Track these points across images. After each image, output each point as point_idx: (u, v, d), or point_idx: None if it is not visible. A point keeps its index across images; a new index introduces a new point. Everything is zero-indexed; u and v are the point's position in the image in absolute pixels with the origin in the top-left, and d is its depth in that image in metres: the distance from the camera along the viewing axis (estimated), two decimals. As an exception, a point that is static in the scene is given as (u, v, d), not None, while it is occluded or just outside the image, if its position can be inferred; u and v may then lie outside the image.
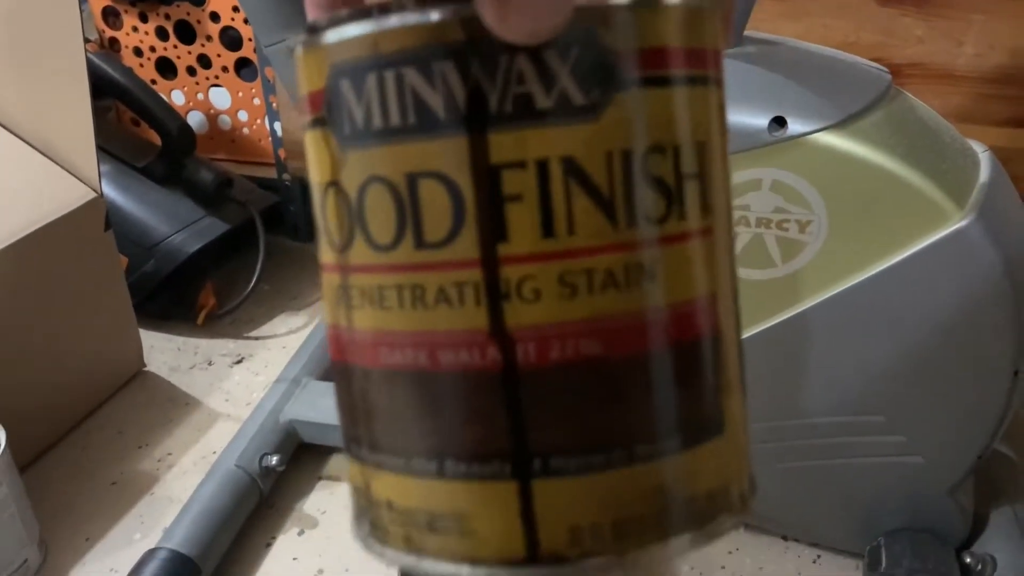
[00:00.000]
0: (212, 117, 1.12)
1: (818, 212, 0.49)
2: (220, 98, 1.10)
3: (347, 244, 0.18)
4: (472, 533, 0.17)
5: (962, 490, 0.56)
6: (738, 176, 0.49)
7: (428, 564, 0.18)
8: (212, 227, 0.94)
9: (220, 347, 0.93)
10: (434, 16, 0.16)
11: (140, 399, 0.84)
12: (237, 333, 0.95)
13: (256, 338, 0.94)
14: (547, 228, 0.17)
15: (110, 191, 0.92)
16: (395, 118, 0.17)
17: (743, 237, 0.51)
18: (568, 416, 0.17)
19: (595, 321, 0.17)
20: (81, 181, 0.76)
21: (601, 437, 0.17)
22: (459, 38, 0.16)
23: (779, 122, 0.48)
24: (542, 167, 0.16)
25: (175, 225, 0.93)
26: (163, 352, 0.92)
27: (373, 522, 0.19)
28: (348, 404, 0.19)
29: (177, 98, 1.11)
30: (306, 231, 1.12)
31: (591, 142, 0.17)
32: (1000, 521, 0.59)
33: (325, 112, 0.18)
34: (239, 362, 0.90)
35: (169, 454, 0.77)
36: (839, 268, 0.50)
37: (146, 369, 0.89)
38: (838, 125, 0.47)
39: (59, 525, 0.69)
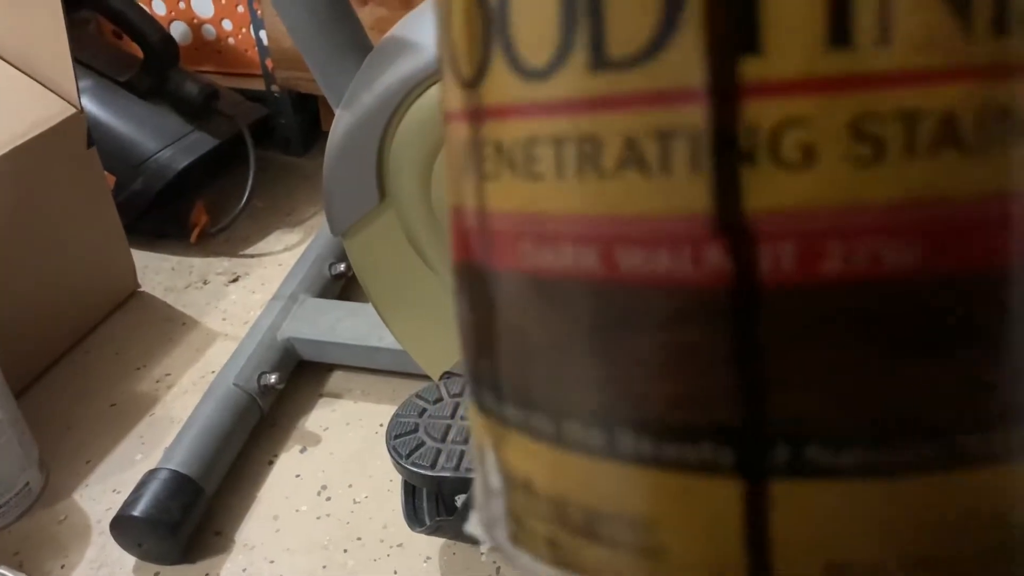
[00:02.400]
0: (195, 27, 1.07)
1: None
2: (203, 6, 1.06)
3: (481, 71, 0.12)
4: (659, 553, 0.11)
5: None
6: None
7: None
8: (200, 142, 0.91)
9: (215, 265, 0.91)
10: None
11: (136, 320, 0.83)
12: (232, 251, 0.93)
13: (251, 256, 0.92)
14: (839, 28, 0.09)
15: (93, 107, 0.89)
16: None
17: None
18: (845, 376, 0.10)
19: (915, 208, 0.10)
20: (59, 96, 0.73)
21: (901, 416, 0.10)
22: None
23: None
24: None
25: (162, 141, 0.90)
26: (157, 272, 0.90)
27: (506, 509, 0.13)
28: (473, 325, 0.13)
29: (158, 7, 1.07)
30: (297, 144, 1.09)
31: None
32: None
33: None
34: (235, 280, 0.88)
35: (168, 374, 0.76)
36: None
37: (141, 289, 0.87)
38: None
39: (60, 448, 0.68)
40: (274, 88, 1.04)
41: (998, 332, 0.10)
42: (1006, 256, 0.10)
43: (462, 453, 0.54)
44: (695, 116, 0.10)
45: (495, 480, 0.13)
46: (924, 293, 0.10)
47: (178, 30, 1.07)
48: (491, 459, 0.13)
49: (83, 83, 0.87)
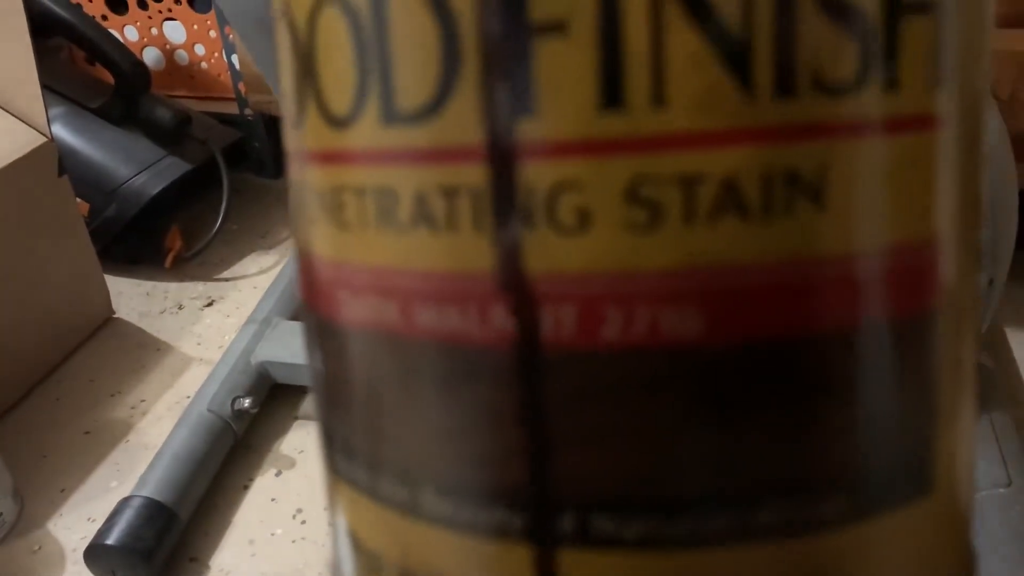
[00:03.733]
0: (168, 52, 1.08)
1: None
2: (175, 32, 1.06)
3: (301, 115, 0.12)
4: None
5: (938, 402, 0.56)
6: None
7: None
8: (174, 167, 0.91)
9: (190, 290, 0.91)
10: None
11: (110, 346, 0.83)
12: (207, 275, 0.93)
13: (226, 279, 0.93)
14: (612, 89, 0.09)
15: (65, 134, 0.89)
16: None
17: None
18: (626, 444, 0.10)
19: (695, 276, 0.09)
20: (29, 126, 0.73)
21: (692, 489, 0.10)
22: None
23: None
24: None
25: (135, 167, 0.90)
26: (132, 298, 0.90)
27: (339, 559, 0.13)
28: (314, 371, 0.13)
29: (131, 34, 1.07)
30: (271, 167, 1.09)
31: None
32: (976, 431, 0.59)
33: None
34: (210, 304, 0.89)
35: (142, 401, 0.76)
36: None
37: (115, 316, 0.87)
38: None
39: (34, 477, 0.68)
40: (247, 111, 1.05)
41: (786, 406, 0.10)
42: (795, 325, 0.10)
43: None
44: (476, 175, 0.10)
45: (332, 523, 0.13)
46: (705, 362, 0.10)
47: (151, 56, 1.08)
48: (329, 502, 0.13)
49: (55, 110, 0.88)
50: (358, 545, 0.12)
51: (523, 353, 0.10)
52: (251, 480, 0.67)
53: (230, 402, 0.68)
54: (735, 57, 0.09)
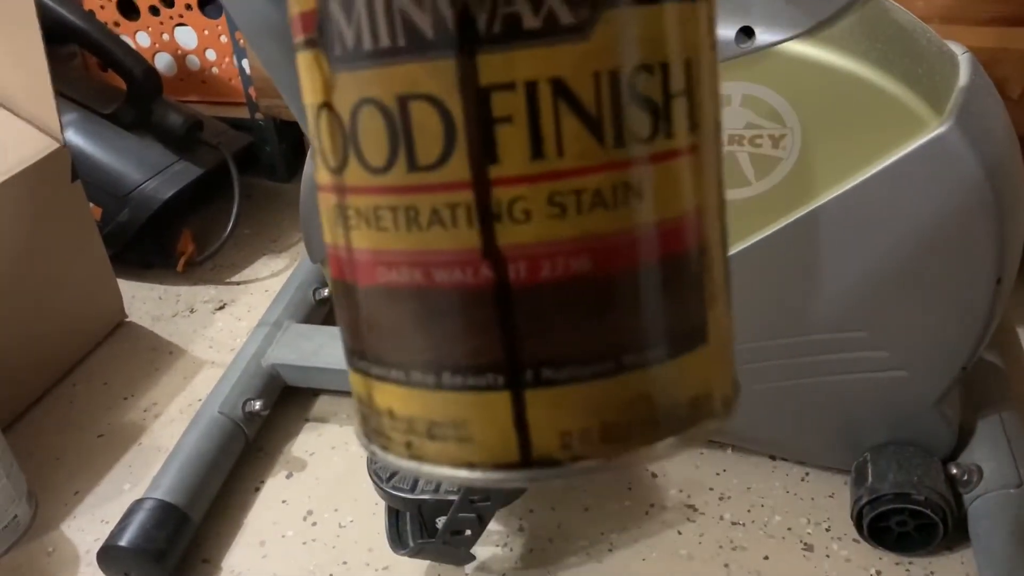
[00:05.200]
0: (180, 58, 1.08)
1: (791, 125, 0.47)
2: (186, 37, 1.07)
3: (342, 165, 0.18)
4: (469, 439, 0.19)
5: (947, 402, 0.56)
6: (707, 92, 0.48)
7: (428, 468, 0.19)
8: (185, 172, 0.92)
9: (202, 294, 0.92)
10: None
11: (124, 350, 0.84)
12: (218, 279, 0.94)
13: (238, 283, 0.93)
14: (536, 150, 0.17)
15: (78, 140, 0.90)
16: (385, 40, 0.17)
17: (715, 156, 0.49)
18: (558, 330, 0.18)
19: (584, 240, 0.17)
20: (42, 132, 0.74)
21: (590, 349, 0.18)
22: None
23: (746, 32, 0.45)
24: (531, 89, 0.17)
25: (147, 172, 0.91)
26: (145, 301, 0.91)
27: (376, 429, 0.20)
28: (349, 320, 0.20)
29: (142, 40, 1.08)
30: (283, 171, 1.10)
31: (580, 62, 0.17)
32: (986, 430, 0.59)
33: (316, 33, 0.18)
34: (221, 308, 0.89)
35: (155, 404, 0.76)
36: (815, 182, 0.48)
37: (128, 319, 0.88)
38: (808, 33, 0.45)
39: (48, 479, 0.69)
40: (258, 116, 1.06)
41: (635, 301, 0.18)
42: (633, 261, 0.18)
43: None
44: (467, 196, 0.17)
45: (369, 412, 0.20)
46: (594, 283, 0.18)
47: (163, 61, 1.09)
48: (365, 401, 0.20)
49: (68, 116, 0.89)
50: (394, 416, 0.20)
51: (499, 290, 0.18)
52: (262, 482, 0.67)
53: (241, 405, 0.68)
54: (595, 130, 0.17)
